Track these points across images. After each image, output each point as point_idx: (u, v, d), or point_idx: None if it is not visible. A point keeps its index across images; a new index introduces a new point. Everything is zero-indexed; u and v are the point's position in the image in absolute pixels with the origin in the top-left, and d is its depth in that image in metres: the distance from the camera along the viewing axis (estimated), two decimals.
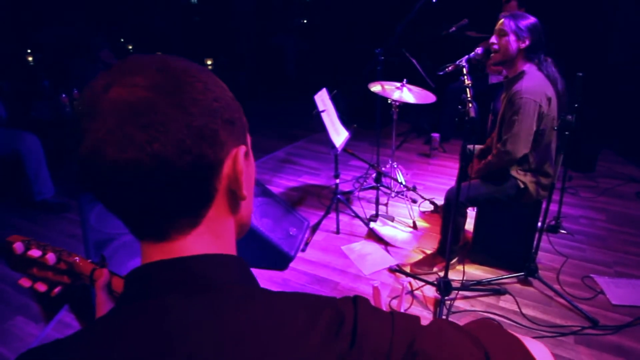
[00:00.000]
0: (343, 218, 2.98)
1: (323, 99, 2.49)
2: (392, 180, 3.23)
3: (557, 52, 2.18)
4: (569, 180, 3.47)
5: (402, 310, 1.89)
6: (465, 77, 1.96)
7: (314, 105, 2.39)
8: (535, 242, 2.26)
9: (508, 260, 2.41)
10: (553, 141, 2.17)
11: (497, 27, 2.10)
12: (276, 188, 3.51)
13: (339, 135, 2.53)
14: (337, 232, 2.82)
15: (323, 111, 2.39)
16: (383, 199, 3.18)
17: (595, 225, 2.93)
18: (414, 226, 2.87)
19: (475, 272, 2.44)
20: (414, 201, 3.18)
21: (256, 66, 6.41)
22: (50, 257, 0.89)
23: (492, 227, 2.41)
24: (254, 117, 5.81)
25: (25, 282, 0.88)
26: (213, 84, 0.48)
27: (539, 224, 2.24)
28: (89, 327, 0.47)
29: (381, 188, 3.24)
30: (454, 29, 3.19)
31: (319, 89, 2.59)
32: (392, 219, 2.94)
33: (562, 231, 2.79)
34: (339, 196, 2.74)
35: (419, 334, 0.52)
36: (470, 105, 1.77)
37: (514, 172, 2.18)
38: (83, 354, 0.43)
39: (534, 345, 0.60)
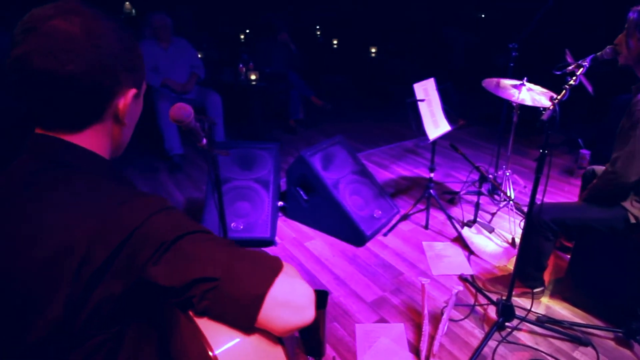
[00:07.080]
0: (438, 216, 2.87)
1: (426, 89, 2.44)
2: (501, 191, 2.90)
3: None
4: None
5: (447, 318, 1.78)
6: (574, 77, 1.68)
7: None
8: None
9: (606, 309, 1.96)
10: None
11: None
12: (389, 174, 3.57)
13: (437, 127, 2.45)
14: (426, 227, 2.76)
15: (422, 100, 2.36)
16: (492, 208, 2.91)
17: None
18: (512, 242, 2.56)
19: (561, 310, 2.07)
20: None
21: (422, 56, 6.34)
22: None
23: (593, 263, 1.98)
24: (402, 107, 5.79)
25: None
26: (127, 41, 0.71)
27: None
28: None
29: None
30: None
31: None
32: (492, 230, 2.68)
33: None
34: (430, 191, 2.66)
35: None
36: (551, 107, 1.53)
37: (627, 203, 1.75)
38: None
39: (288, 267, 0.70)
